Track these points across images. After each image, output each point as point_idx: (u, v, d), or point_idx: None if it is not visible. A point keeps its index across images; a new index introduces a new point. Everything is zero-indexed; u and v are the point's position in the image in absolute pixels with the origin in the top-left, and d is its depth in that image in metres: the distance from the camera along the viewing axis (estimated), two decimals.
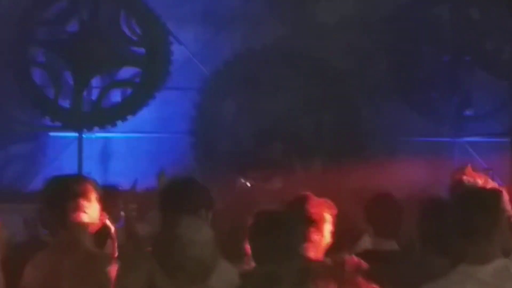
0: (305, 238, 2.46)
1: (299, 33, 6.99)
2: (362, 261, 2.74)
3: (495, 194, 2.34)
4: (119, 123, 7.10)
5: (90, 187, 2.67)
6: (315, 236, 2.71)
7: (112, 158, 7.72)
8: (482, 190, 2.84)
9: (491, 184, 3.69)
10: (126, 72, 7.35)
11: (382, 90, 7.13)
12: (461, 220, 2.22)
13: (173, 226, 1.96)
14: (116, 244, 3.00)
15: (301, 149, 7.09)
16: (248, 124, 7.10)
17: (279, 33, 6.96)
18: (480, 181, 3.52)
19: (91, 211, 2.57)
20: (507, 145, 6.90)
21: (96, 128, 7.30)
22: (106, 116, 7.26)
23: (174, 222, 1.99)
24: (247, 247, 2.29)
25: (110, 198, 3.37)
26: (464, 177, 3.58)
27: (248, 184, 6.61)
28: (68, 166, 7.14)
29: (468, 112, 7.07)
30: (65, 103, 7.33)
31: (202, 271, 1.81)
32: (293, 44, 7.00)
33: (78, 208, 2.54)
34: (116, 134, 7.62)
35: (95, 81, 7.47)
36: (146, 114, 7.29)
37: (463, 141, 7.02)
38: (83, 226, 2.52)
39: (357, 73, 7.04)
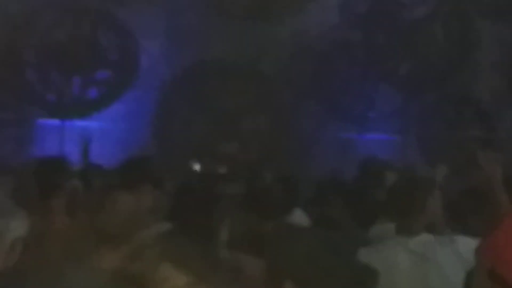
0: None
1: (241, 49, 7.34)
2: None
3: (422, 182, 2.55)
4: (95, 114, 7.41)
5: None
6: None
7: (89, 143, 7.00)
8: (414, 178, 3.00)
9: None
10: (103, 74, 7.58)
11: (307, 94, 7.58)
12: (393, 200, 2.50)
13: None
14: None
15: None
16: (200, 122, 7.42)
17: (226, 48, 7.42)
18: None
19: None
20: (400, 142, 7.49)
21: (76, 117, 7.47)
22: (85, 108, 7.51)
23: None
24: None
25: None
26: None
27: (197, 168, 6.88)
28: (52, 148, 7.06)
29: (371, 114, 7.61)
30: (52, 97, 7.62)
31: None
32: (235, 57, 7.43)
33: None
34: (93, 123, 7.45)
35: (77, 80, 7.55)
36: (117, 108, 7.46)
37: (366, 137, 7.55)
38: None
39: (288, 81, 7.49)
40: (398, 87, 7.46)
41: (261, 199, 2.86)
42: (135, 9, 7.08)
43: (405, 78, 7.40)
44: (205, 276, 1.43)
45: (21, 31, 7.16)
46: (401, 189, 2.48)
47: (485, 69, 7.34)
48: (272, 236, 2.13)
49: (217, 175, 6.50)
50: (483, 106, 7.49)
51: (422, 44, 7.18)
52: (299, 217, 3.26)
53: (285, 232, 2.01)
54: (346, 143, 7.50)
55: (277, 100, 7.40)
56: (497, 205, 2.18)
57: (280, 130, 7.41)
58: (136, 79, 7.38)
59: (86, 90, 7.49)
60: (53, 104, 7.52)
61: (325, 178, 4.43)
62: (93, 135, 7.02)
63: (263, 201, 2.80)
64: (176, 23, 7.19)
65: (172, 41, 7.26)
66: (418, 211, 2.27)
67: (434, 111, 7.56)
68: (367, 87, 7.54)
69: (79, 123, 7.47)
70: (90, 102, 7.46)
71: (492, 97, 7.41)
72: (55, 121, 7.51)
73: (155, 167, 3.70)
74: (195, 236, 2.09)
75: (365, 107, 7.53)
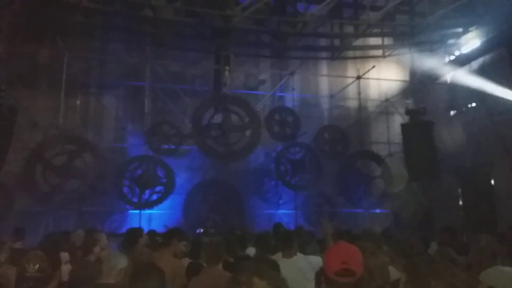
0: None
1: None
2: None
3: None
4: (155, 207, 13.54)
5: None
6: None
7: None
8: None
9: None
10: (159, 188, 14.77)
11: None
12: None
13: None
14: None
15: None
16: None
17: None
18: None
19: None
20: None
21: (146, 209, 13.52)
22: (150, 205, 13.61)
23: None
24: None
25: None
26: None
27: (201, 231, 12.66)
28: (135, 224, 12.67)
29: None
30: (135, 199, 13.36)
31: None
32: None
33: None
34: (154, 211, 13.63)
35: (148, 191, 13.65)
36: (165, 204, 13.98)
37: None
38: None
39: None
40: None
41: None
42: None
43: None
44: None
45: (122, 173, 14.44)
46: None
47: None
48: None
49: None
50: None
51: None
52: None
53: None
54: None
55: None
56: (326, 243, 4.49)
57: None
58: (173, 190, 13.79)
59: (151, 196, 13.68)
60: (135, 203, 13.52)
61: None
62: (154, 217, 13.56)
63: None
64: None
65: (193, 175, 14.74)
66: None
67: None
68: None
69: (147, 212, 13.54)
70: (153, 202, 13.75)
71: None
72: (136, 211, 13.41)
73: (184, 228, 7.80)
74: None
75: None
